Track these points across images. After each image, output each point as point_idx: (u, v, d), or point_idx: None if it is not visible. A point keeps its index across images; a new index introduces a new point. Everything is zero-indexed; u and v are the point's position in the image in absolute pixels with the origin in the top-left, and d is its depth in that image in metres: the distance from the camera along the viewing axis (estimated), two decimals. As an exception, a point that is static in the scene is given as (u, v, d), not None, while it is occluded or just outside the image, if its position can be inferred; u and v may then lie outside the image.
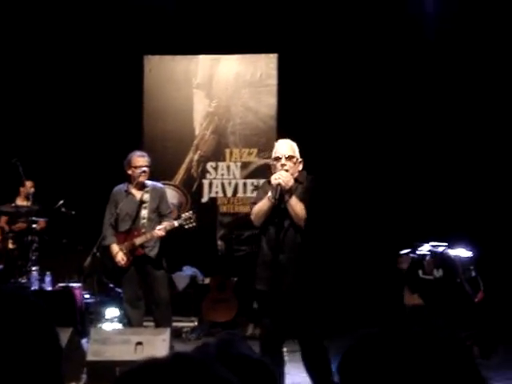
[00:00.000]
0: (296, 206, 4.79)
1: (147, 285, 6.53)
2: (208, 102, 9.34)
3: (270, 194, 4.82)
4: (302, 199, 4.83)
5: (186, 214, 6.51)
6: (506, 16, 8.34)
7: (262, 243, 4.99)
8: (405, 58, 8.76)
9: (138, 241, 6.39)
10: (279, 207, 4.83)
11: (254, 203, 4.97)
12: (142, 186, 6.51)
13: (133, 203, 6.49)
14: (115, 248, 6.43)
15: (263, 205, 4.86)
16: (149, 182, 6.58)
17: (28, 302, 1.32)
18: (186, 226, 6.43)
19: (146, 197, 6.51)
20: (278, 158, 4.92)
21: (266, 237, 4.94)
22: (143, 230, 6.42)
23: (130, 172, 6.47)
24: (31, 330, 1.28)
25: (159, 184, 6.86)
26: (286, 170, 4.83)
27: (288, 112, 9.07)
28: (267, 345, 4.91)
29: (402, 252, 6.15)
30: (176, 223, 6.39)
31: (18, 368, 1.24)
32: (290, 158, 4.90)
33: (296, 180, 4.92)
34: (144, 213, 6.48)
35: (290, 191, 4.80)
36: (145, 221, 6.46)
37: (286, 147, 4.96)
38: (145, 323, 6.91)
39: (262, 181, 9.17)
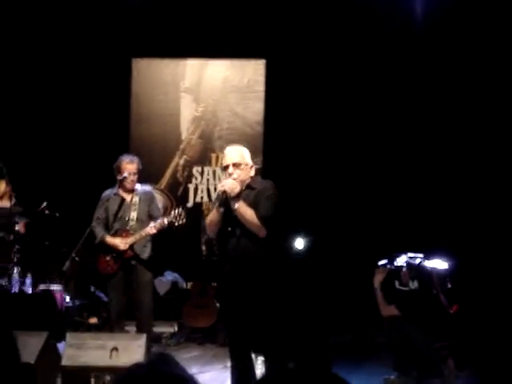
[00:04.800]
0: (245, 212, 4.70)
1: (133, 290, 6.52)
2: (195, 106, 9.33)
3: (216, 203, 4.79)
4: (253, 205, 4.74)
5: (176, 210, 6.40)
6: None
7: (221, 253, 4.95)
8: (391, 63, 8.74)
9: (128, 241, 6.36)
10: (230, 216, 4.76)
11: (207, 215, 4.92)
12: (131, 190, 6.54)
13: (123, 205, 6.50)
14: (110, 238, 6.41)
15: (213, 215, 4.82)
16: (138, 186, 6.59)
17: None
18: (176, 223, 6.34)
19: (136, 199, 6.51)
20: (225, 167, 4.88)
21: (222, 246, 4.89)
22: (131, 232, 6.42)
23: (119, 177, 6.47)
24: None
25: (148, 187, 6.85)
26: (234, 179, 4.78)
27: (275, 118, 9.08)
28: (235, 350, 4.93)
29: (380, 263, 6.14)
30: (166, 221, 6.30)
31: None
32: (237, 165, 4.84)
33: (248, 186, 4.85)
34: (133, 215, 6.47)
35: (238, 198, 4.71)
36: (133, 222, 6.46)
37: (232, 155, 4.90)
38: (126, 327, 6.92)
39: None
